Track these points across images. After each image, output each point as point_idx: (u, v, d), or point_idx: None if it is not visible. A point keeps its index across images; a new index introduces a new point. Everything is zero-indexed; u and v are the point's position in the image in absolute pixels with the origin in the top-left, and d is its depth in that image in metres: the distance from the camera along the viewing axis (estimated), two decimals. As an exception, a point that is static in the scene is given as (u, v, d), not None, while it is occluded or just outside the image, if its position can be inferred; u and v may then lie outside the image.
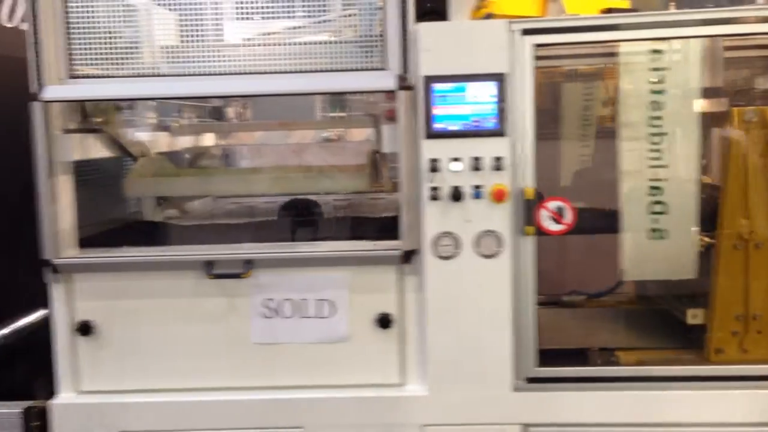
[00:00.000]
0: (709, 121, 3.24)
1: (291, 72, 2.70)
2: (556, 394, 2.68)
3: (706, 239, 2.89)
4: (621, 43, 3.21)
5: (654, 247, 3.26)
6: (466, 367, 2.66)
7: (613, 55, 3.32)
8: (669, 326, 3.10)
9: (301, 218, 3.12)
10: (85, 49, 2.73)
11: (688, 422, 2.66)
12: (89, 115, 2.92)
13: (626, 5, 3.72)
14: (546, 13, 3.49)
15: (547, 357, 2.75)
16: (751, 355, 2.76)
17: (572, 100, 3.90)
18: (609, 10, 3.51)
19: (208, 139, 3.54)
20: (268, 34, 2.82)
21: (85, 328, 2.72)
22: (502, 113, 2.55)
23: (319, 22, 2.78)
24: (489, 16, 3.17)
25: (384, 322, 2.71)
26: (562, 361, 2.79)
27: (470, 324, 2.65)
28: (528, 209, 2.59)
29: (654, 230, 3.22)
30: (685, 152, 3.26)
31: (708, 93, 3.17)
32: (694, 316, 2.92)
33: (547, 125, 3.98)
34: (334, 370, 2.75)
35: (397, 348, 2.73)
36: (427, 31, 2.53)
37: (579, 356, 2.92)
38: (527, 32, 2.54)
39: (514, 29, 2.54)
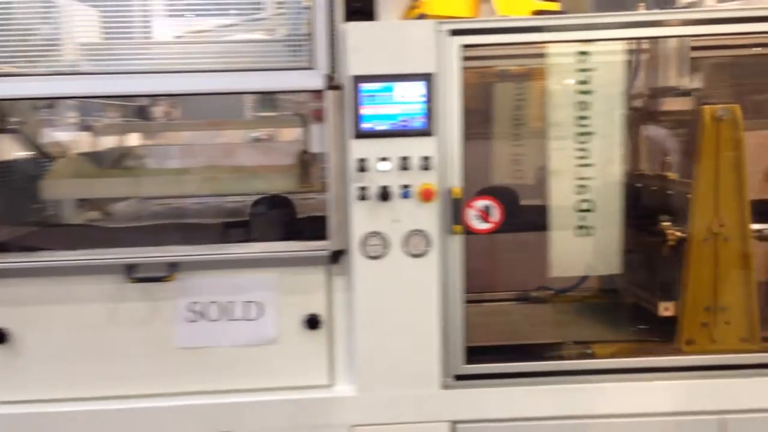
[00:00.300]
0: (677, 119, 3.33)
1: (218, 71, 2.65)
2: (484, 391, 2.71)
3: (677, 233, 2.99)
4: (549, 45, 3.28)
5: (581, 244, 3.34)
6: (394, 366, 2.67)
7: (542, 56, 3.39)
8: (638, 319, 3.19)
9: (233, 219, 3.07)
10: (1, 46, 2.62)
11: (617, 413, 2.73)
12: (6, 115, 2.81)
13: (555, 8, 3.80)
14: (478, 14, 3.54)
15: (491, 353, 2.80)
16: (719, 346, 2.83)
17: (504, 100, 3.96)
18: (538, 12, 3.58)
19: (134, 139, 3.45)
20: (196, 32, 2.77)
21: (-1, 336, 2.62)
22: (429, 113, 2.56)
23: (248, 21, 2.74)
24: (422, 17, 3.19)
25: (313, 323, 2.69)
26: (506, 358, 2.83)
27: (399, 323, 2.65)
28: (455, 208, 2.61)
29: (581, 227, 3.30)
30: (610, 151, 3.36)
31: (676, 93, 3.24)
32: (665, 309, 3.00)
33: (481, 125, 4.04)
34: (263, 373, 2.71)
35: (326, 349, 2.72)
36: (354, 31, 2.52)
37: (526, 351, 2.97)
38: (454, 33, 2.55)
39: (441, 30, 2.55)
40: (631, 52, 3.34)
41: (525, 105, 3.82)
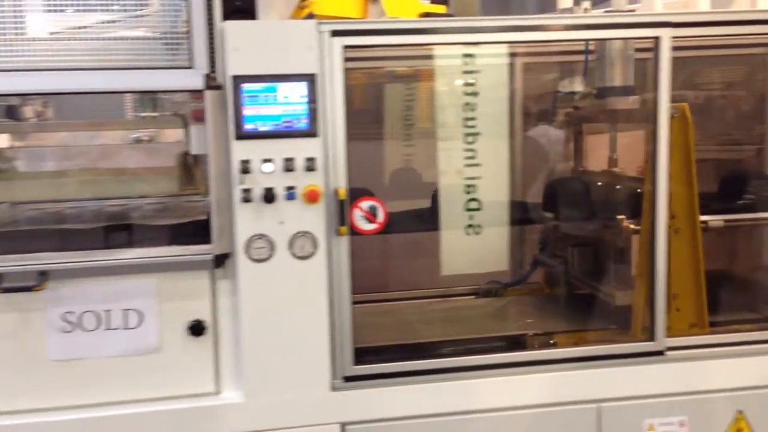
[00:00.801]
0: (625, 117, 3.41)
1: (93, 69, 2.54)
2: (374, 391, 2.72)
3: (632, 226, 3.08)
4: (436, 47, 3.33)
5: (470, 242, 3.42)
6: (283, 371, 2.63)
7: (431, 57, 3.44)
8: (596, 309, 3.30)
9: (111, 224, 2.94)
10: None
11: (501, 407, 2.79)
12: None
13: (442, 11, 3.87)
14: (367, 15, 3.55)
15: (391, 352, 2.84)
16: (671, 332, 2.91)
17: (394, 100, 4.00)
18: (426, 15, 3.63)
19: (3, 141, 3.24)
20: (74, 28, 2.64)
21: None
22: (313, 114, 2.54)
23: (129, 18, 2.64)
24: (311, 17, 3.17)
25: (197, 329, 2.61)
26: (399, 357, 2.83)
27: (286, 326, 2.62)
28: (341, 209, 2.61)
29: (469, 226, 3.38)
30: (496, 152, 3.45)
31: (616, 92, 3.29)
32: (622, 298, 3.11)
33: (372, 125, 4.06)
34: (146, 383, 2.61)
35: (212, 355, 2.65)
36: (234, 30, 2.46)
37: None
38: (336, 33, 2.54)
39: (323, 30, 2.54)
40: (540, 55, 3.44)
41: (414, 106, 3.87)
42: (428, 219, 3.46)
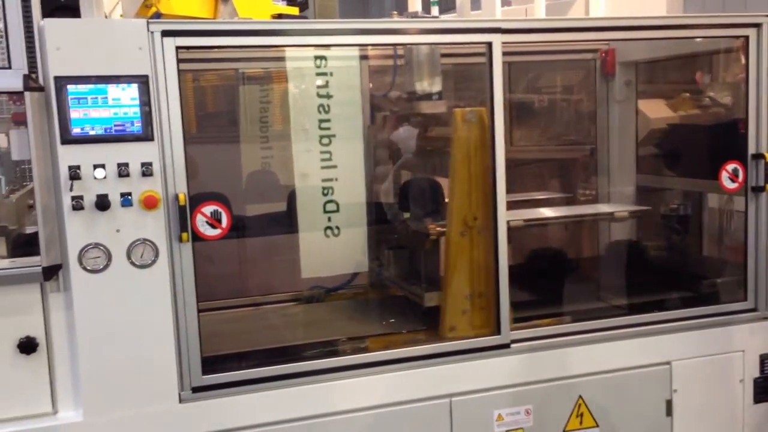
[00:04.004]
0: (432, 122, 3.46)
1: None
2: (225, 400, 2.65)
3: (438, 228, 3.12)
4: (288, 49, 3.30)
5: (329, 245, 3.41)
6: (126, 385, 2.52)
7: (283, 59, 3.41)
8: (406, 311, 3.32)
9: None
10: None
11: (357, 408, 2.81)
12: None
13: (295, 12, 3.85)
14: (218, 16, 3.48)
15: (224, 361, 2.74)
16: (478, 330, 2.99)
17: (249, 102, 3.93)
18: (278, 16, 3.60)
19: None
20: None
21: None
22: (146, 117, 2.44)
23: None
24: (158, 15, 3.06)
25: (28, 346, 2.45)
26: (247, 365, 2.78)
27: (128, 339, 2.51)
28: (182, 215, 2.52)
29: (328, 228, 3.38)
30: (352, 154, 3.47)
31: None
32: (430, 299, 3.13)
33: (227, 128, 3.98)
34: (-27, 407, 2.44)
35: (47, 373, 2.50)
36: (55, 28, 2.32)
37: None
38: (168, 33, 2.45)
39: (153, 30, 2.44)
40: (386, 57, 3.47)
41: (269, 108, 3.82)
42: (286, 222, 3.43)
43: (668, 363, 3.15)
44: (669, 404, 3.17)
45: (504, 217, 2.89)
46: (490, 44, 2.73)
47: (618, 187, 3.86)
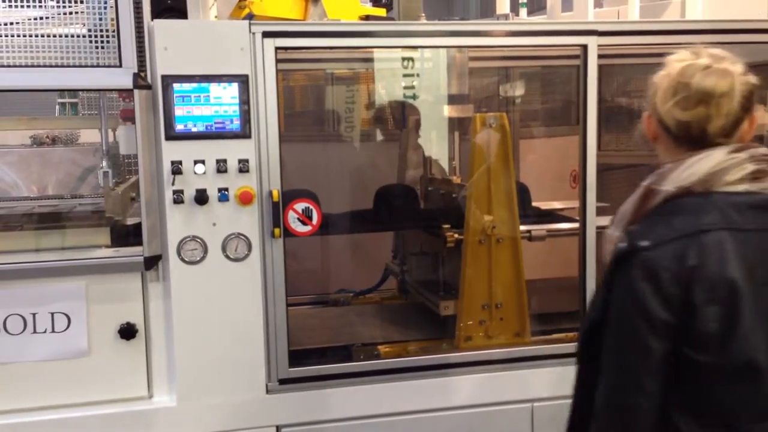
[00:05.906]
0: (456, 125, 3.47)
1: (20, 66, 2.47)
2: (308, 393, 2.71)
3: (456, 235, 3.06)
4: (376, 50, 3.35)
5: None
6: (216, 374, 2.61)
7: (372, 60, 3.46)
8: (427, 319, 3.25)
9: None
10: None
11: (429, 408, 2.80)
12: None
13: (383, 14, 3.89)
14: (307, 17, 3.55)
15: (307, 356, 2.79)
16: (495, 341, 2.95)
17: (337, 102, 4.00)
18: (366, 18, 3.65)
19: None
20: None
21: None
22: (245, 115, 2.52)
23: (60, 15, 2.58)
24: (250, 17, 3.15)
25: (128, 332, 2.57)
26: (327, 360, 2.84)
27: (220, 329, 2.59)
28: (276, 211, 2.59)
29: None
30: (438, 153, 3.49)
31: (455, 100, 3.37)
32: (445, 308, 3.07)
33: (316, 127, 4.06)
34: (75, 387, 2.56)
35: (144, 359, 2.61)
36: (163, 29, 2.43)
37: (343, 353, 3.00)
38: (268, 35, 2.52)
39: (254, 31, 2.52)
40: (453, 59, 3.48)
41: (354, 108, 3.88)
42: (372, 219, 3.44)
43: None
44: None
45: (593, 224, 2.84)
46: (585, 47, 2.69)
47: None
